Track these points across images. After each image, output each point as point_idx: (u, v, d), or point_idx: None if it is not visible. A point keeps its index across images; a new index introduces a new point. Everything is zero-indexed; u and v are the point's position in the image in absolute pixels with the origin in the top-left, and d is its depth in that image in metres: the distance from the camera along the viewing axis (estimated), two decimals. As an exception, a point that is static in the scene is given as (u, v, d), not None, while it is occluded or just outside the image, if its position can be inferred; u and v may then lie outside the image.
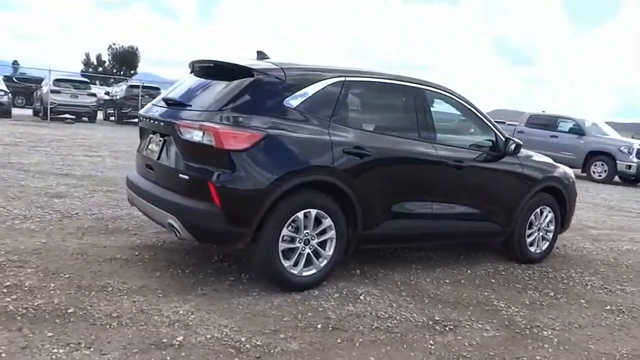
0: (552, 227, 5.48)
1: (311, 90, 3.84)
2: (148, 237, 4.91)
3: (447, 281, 4.46)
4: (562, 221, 5.57)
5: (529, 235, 5.25)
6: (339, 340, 3.14)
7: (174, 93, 4.12)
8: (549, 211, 5.40)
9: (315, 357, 2.92)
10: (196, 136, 3.52)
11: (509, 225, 5.04)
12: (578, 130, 16.11)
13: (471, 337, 3.37)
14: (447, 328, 3.47)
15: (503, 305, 4.01)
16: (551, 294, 4.43)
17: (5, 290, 3.37)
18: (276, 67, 3.84)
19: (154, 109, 4.14)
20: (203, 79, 4.10)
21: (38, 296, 3.33)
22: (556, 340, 3.48)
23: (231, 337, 3.02)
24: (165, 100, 4.04)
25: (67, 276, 3.73)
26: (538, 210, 5.29)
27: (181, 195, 3.61)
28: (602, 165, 15.31)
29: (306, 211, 3.74)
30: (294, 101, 3.75)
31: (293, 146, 3.66)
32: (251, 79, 3.69)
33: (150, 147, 4.06)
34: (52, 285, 3.53)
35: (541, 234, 5.38)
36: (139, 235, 4.94)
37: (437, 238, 4.78)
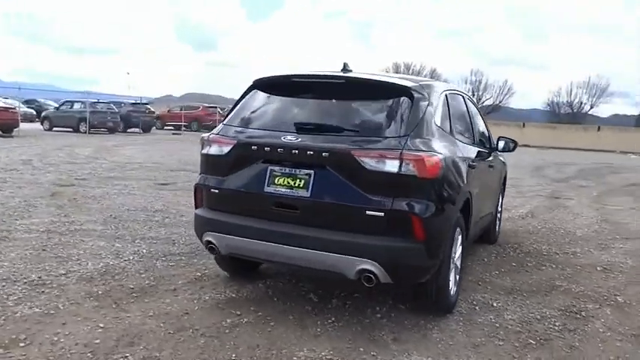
0: (500, 209, 6.45)
1: (440, 106, 3.74)
2: (200, 291, 4.02)
3: (497, 273, 4.93)
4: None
5: (496, 219, 6.10)
6: (567, 350, 3.32)
7: (306, 116, 3.47)
8: (501, 197, 6.34)
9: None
10: (391, 166, 3.11)
11: (495, 214, 5.78)
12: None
13: (608, 320, 3.89)
14: (582, 315, 3.96)
15: (563, 284, 4.69)
16: (554, 266, 5.32)
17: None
18: (416, 83, 3.61)
19: (272, 135, 3.39)
20: (332, 99, 3.55)
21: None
22: None
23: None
24: (298, 125, 3.36)
25: (244, 361, 2.89)
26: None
27: (374, 234, 3.14)
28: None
29: (457, 230, 3.70)
30: (437, 119, 3.62)
31: (455, 167, 3.56)
32: (411, 99, 3.41)
33: (281, 181, 3.32)
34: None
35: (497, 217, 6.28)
36: (187, 290, 4.01)
37: (479, 235, 5.18)
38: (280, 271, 4.47)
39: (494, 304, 4.03)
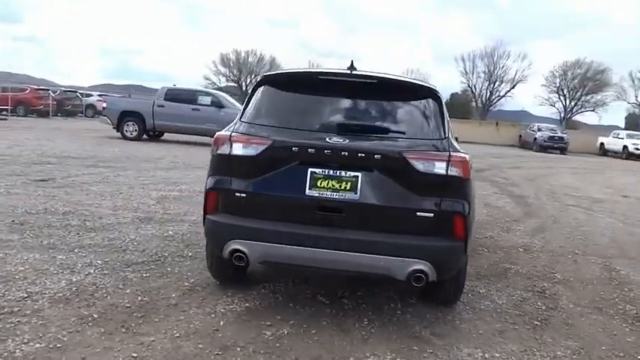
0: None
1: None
2: (205, 303, 3.70)
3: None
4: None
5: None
6: (567, 327, 3.76)
7: (344, 117, 3.34)
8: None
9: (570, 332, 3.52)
10: (440, 167, 3.20)
11: None
12: (217, 103, 17.53)
13: (568, 296, 4.48)
14: (548, 294, 4.49)
15: (510, 267, 5.25)
16: (487, 250, 5.92)
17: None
18: (430, 84, 3.71)
19: (313, 136, 3.22)
20: (363, 100, 3.47)
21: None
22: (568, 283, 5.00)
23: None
24: (342, 126, 3.25)
25: None
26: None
27: (423, 235, 3.20)
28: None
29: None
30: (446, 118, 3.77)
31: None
32: (437, 101, 3.51)
33: (324, 184, 3.18)
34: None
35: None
36: (191, 304, 3.67)
37: None
38: (271, 275, 4.27)
39: (480, 291, 4.37)
